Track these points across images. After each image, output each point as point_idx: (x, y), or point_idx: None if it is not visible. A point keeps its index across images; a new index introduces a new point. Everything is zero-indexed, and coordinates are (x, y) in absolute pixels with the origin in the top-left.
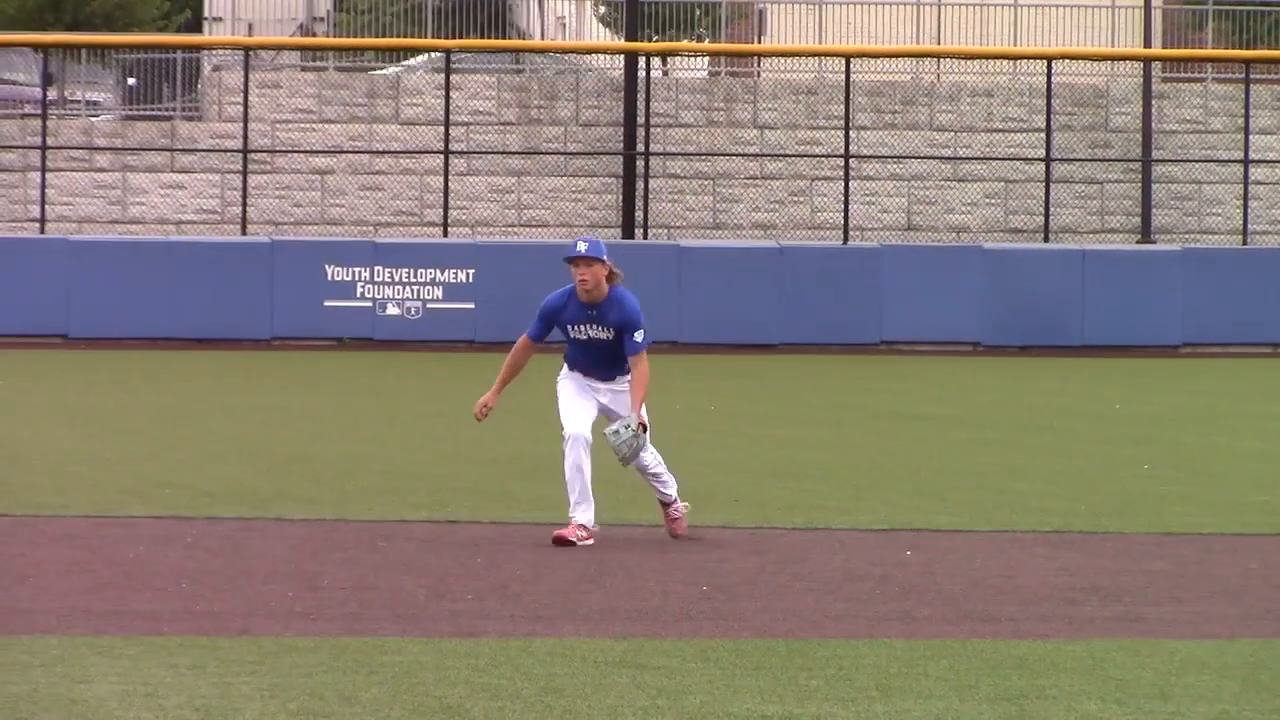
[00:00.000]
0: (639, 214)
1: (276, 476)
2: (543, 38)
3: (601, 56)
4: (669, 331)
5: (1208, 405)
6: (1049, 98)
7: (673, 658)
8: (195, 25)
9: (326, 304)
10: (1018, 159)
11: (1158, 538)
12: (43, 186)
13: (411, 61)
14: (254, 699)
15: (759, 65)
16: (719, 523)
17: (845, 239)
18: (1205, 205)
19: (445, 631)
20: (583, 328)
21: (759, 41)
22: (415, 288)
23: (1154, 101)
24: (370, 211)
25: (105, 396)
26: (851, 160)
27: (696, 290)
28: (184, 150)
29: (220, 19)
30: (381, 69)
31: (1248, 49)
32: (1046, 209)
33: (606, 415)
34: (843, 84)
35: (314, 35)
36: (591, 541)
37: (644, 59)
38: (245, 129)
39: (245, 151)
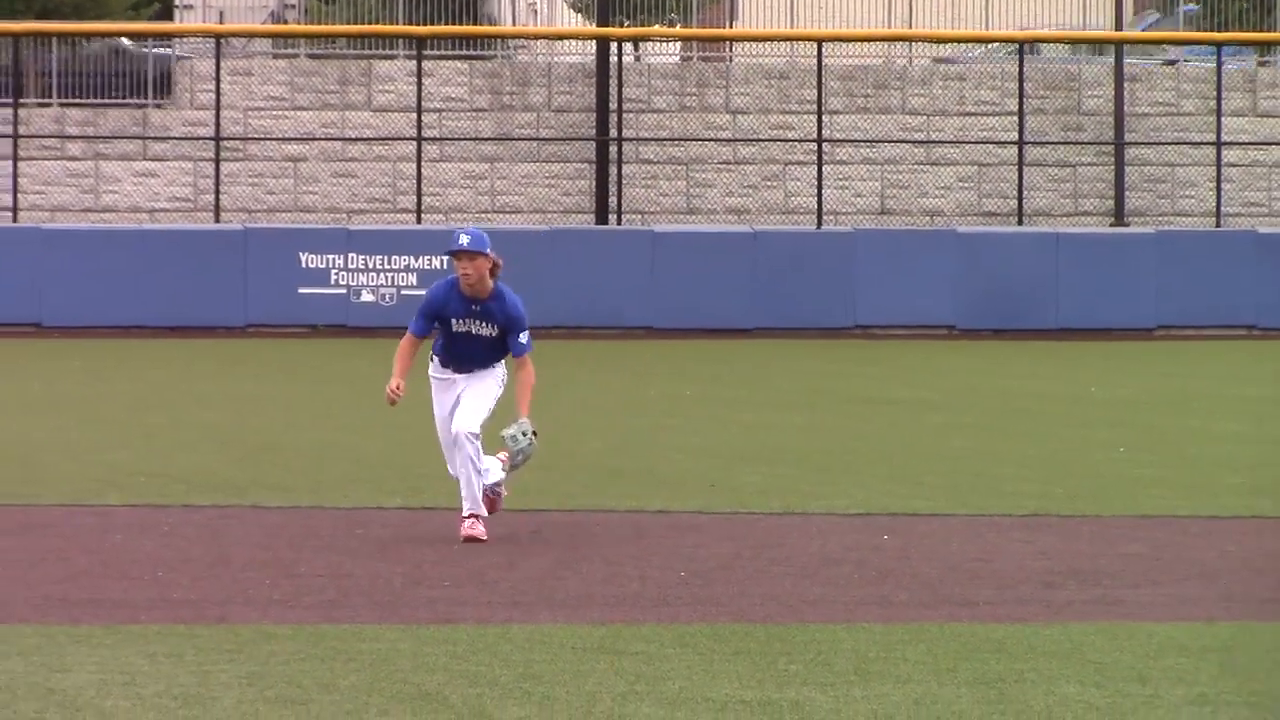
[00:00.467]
0: (612, 199)
1: (252, 464)
2: (514, 24)
3: (573, 42)
4: (642, 317)
5: (1182, 388)
6: (1021, 81)
7: (651, 643)
8: (166, 13)
9: (300, 291)
10: (990, 142)
11: (1134, 521)
12: (14, 175)
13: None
14: (232, 687)
15: (731, 50)
16: (695, 508)
17: (819, 223)
18: (1178, 188)
19: (422, 618)
20: (465, 321)
21: (731, 26)
22: (389, 274)
23: (1126, 84)
24: (344, 198)
25: (78, 385)
26: (825, 144)
27: (670, 275)
28: (156, 138)
29: (191, 6)
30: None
31: (1219, 31)
32: (1020, 192)
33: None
34: (815, 68)
35: (285, 22)
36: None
37: (616, 44)
38: (218, 116)
39: (218, 139)
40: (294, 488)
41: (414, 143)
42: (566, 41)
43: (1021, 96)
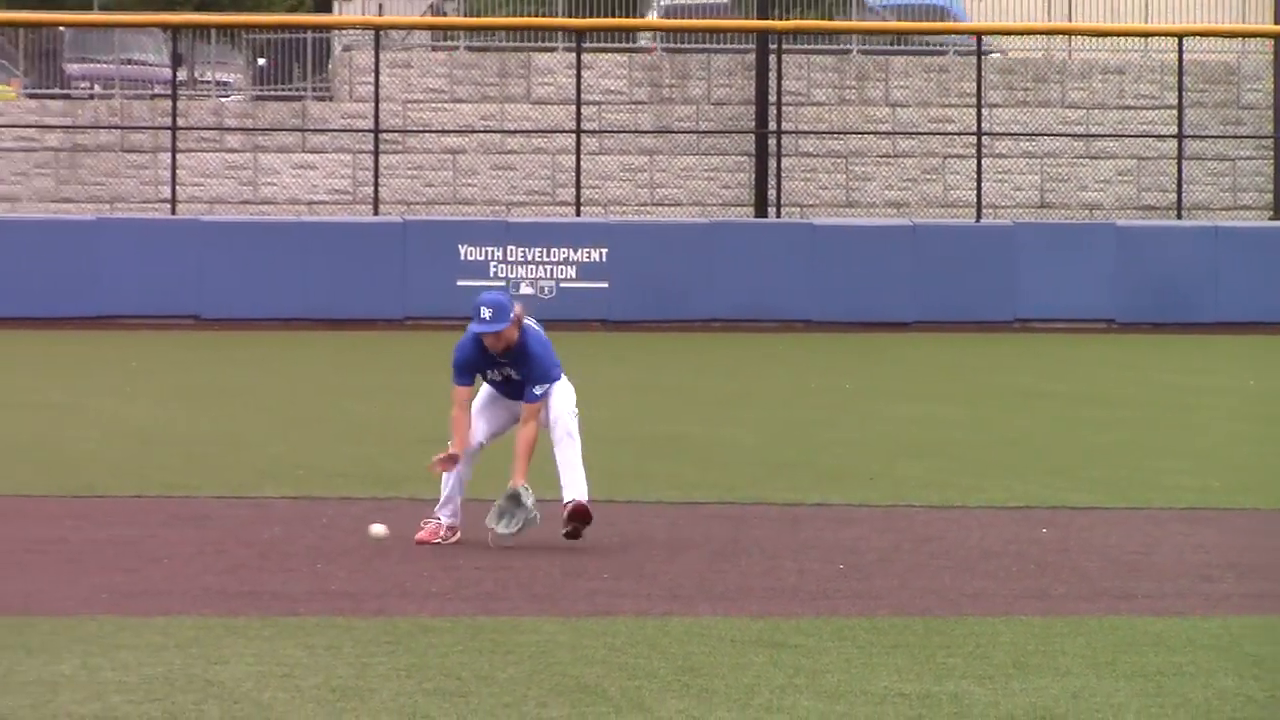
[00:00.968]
0: (771, 192)
1: (410, 456)
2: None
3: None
4: (801, 310)
5: None
6: (1180, 74)
7: (809, 636)
8: (325, 5)
9: (459, 283)
10: (1150, 136)
11: None
12: (173, 167)
13: None
14: (390, 679)
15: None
16: (855, 501)
17: (978, 217)
18: None
19: (581, 611)
20: (496, 372)
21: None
22: (548, 267)
23: None
24: (502, 191)
25: (237, 377)
26: (984, 138)
27: (829, 269)
28: (315, 130)
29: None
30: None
31: None
32: (1179, 186)
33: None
34: (975, 62)
35: (444, 15)
36: (456, 539)
37: (776, 37)
38: (376, 109)
39: (377, 131)
40: None
41: (573, 135)
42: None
43: (1181, 90)
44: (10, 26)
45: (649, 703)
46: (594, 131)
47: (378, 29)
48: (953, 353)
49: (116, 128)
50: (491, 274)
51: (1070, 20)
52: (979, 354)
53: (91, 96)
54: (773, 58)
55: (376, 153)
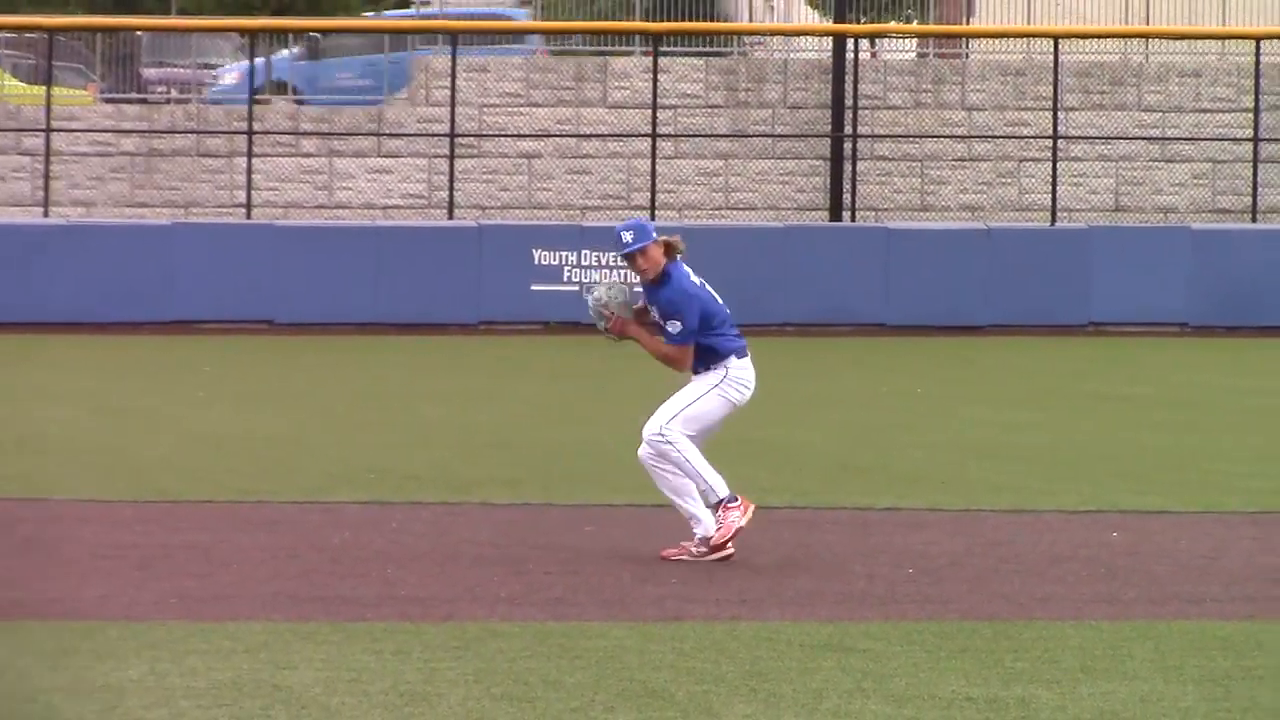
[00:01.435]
0: (846, 196)
1: (482, 461)
2: (751, 20)
3: (809, 38)
4: (876, 314)
5: None
6: (1257, 77)
7: (878, 641)
8: (403, 6)
9: (534, 288)
10: (1225, 139)
11: None
12: (249, 172)
13: None
14: (459, 684)
15: (967, 46)
16: (926, 505)
17: (1053, 220)
18: None
19: (650, 616)
20: (650, 311)
21: (967, 22)
22: (623, 272)
23: None
24: (578, 195)
25: (310, 382)
26: (1059, 141)
27: (904, 272)
28: (391, 135)
29: (428, 2)
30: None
31: None
32: (1255, 189)
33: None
34: (1051, 65)
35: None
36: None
37: (852, 41)
38: (452, 113)
39: (453, 136)
40: (524, 484)
41: (649, 139)
42: (802, 38)
43: (1258, 93)
44: (87, 31)
45: (716, 708)
46: (669, 135)
47: (455, 34)
48: (1026, 356)
49: (192, 132)
50: (566, 278)
51: (1147, 23)
52: (1053, 358)
53: (168, 101)
54: (849, 60)
55: (452, 157)
